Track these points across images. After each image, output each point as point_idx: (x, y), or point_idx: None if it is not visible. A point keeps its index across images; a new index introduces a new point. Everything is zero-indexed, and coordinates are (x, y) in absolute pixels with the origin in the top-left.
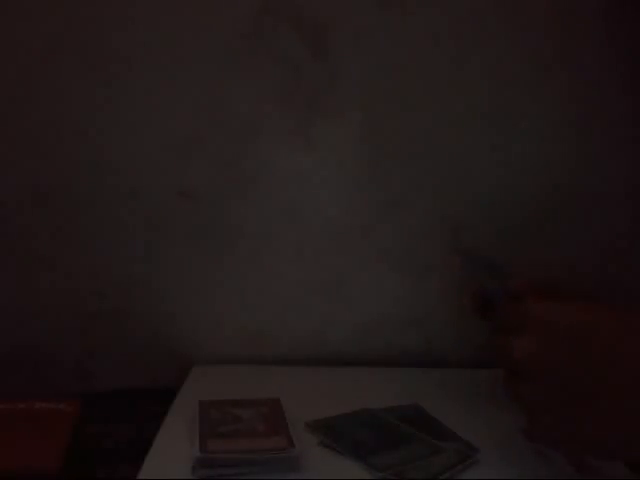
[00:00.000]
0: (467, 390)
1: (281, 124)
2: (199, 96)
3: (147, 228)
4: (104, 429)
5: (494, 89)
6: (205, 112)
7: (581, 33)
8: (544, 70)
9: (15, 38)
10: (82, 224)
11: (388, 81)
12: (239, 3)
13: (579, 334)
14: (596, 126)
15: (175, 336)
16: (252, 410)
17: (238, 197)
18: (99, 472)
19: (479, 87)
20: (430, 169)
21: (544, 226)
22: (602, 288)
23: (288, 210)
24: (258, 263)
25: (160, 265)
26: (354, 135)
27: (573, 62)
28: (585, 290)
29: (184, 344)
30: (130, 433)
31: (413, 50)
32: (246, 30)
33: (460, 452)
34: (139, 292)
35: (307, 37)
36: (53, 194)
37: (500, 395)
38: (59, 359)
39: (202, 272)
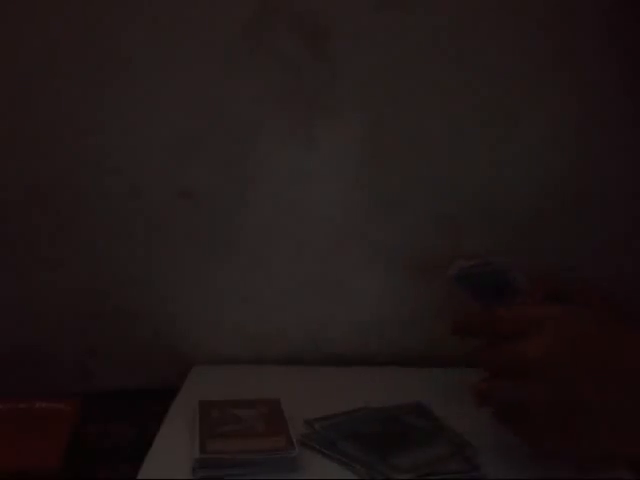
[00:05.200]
0: (467, 390)
1: (281, 124)
2: (199, 96)
3: (147, 228)
4: (104, 429)
5: (494, 89)
6: (205, 112)
7: (581, 33)
8: (544, 70)
9: (16, 38)
10: (82, 224)
11: (388, 81)
12: (239, 3)
13: (584, 342)
14: (596, 126)
15: (175, 336)
16: (252, 410)
17: (238, 197)
18: (99, 472)
19: (479, 87)
20: (430, 169)
21: (544, 226)
22: (602, 288)
23: (288, 210)
24: (258, 263)
25: (160, 265)
26: (354, 135)
27: (573, 62)
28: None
29: (184, 344)
30: (130, 433)
31: (413, 50)
32: (246, 30)
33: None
34: (139, 292)
35: (307, 37)
36: (53, 194)
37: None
38: (59, 359)
39: (202, 272)
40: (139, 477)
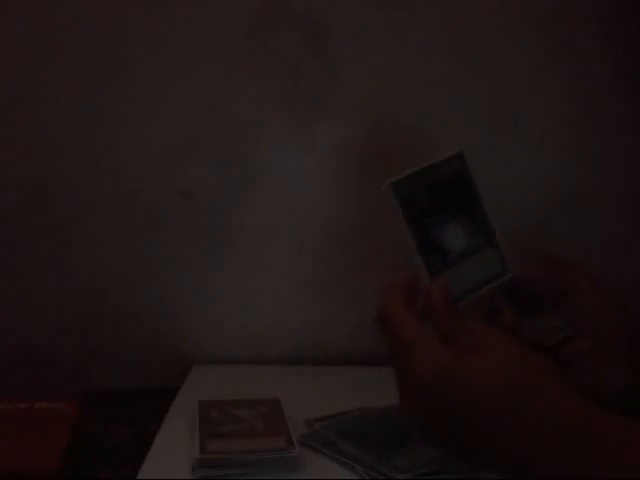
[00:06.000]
0: None
1: (281, 124)
2: (199, 96)
3: (147, 228)
4: (104, 429)
5: (494, 89)
6: (205, 112)
7: (581, 33)
8: (544, 70)
9: (16, 38)
10: (82, 224)
11: (388, 81)
12: (239, 3)
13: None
14: (596, 126)
15: (175, 336)
16: (252, 410)
17: (238, 197)
18: (99, 472)
19: (479, 87)
20: None
21: (544, 226)
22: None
23: (288, 210)
24: (258, 263)
25: (160, 265)
26: (354, 135)
27: (573, 62)
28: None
29: (184, 344)
30: (130, 433)
31: (413, 50)
32: (246, 30)
33: None
34: (139, 292)
35: (307, 37)
36: (53, 194)
37: None
38: (59, 359)
39: (202, 272)
40: (139, 477)
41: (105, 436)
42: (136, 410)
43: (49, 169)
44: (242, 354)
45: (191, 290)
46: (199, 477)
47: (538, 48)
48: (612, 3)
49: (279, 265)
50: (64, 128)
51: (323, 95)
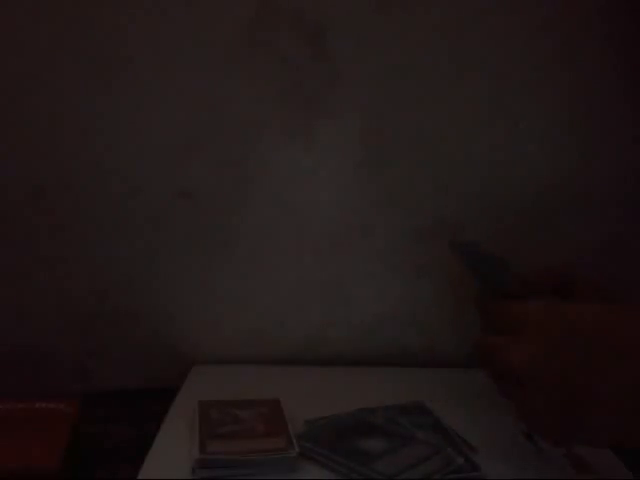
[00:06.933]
0: (467, 390)
1: (281, 124)
2: (199, 96)
3: (147, 228)
4: (104, 429)
5: (494, 89)
6: (205, 112)
7: (581, 33)
8: (544, 70)
9: (16, 38)
10: (82, 224)
11: (388, 81)
12: (239, 3)
13: (580, 335)
14: (596, 126)
15: (175, 336)
16: (252, 411)
17: (238, 197)
18: (99, 472)
19: (479, 87)
20: (429, 169)
21: (544, 226)
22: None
23: (288, 210)
24: (258, 263)
25: (160, 265)
26: (354, 135)
27: (573, 62)
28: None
29: (184, 344)
30: (130, 433)
31: (413, 50)
32: (246, 30)
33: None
34: (139, 292)
35: (307, 37)
36: (53, 194)
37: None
38: (59, 359)
39: (202, 272)
40: (139, 477)
41: (105, 436)
42: (136, 410)
43: (49, 169)
44: (242, 354)
45: (191, 290)
46: (199, 478)
47: (538, 48)
48: (612, 3)
49: (279, 265)
50: (64, 128)
51: (323, 95)
